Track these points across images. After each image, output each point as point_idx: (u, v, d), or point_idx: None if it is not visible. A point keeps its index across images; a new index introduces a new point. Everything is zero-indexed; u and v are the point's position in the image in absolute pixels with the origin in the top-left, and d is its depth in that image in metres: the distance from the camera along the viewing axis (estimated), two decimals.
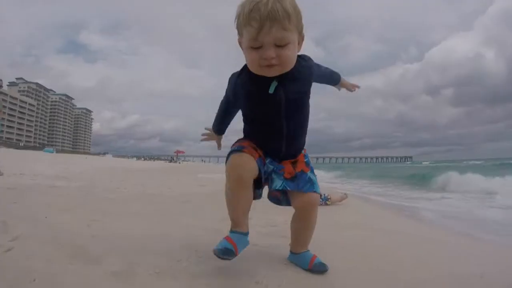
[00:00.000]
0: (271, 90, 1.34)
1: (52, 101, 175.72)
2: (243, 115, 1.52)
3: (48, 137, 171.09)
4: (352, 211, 4.15)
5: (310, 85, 1.45)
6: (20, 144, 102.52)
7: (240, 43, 1.34)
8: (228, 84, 1.49)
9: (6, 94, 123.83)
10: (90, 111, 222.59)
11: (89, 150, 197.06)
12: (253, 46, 1.25)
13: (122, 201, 3.76)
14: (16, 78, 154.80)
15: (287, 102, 1.37)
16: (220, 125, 1.72)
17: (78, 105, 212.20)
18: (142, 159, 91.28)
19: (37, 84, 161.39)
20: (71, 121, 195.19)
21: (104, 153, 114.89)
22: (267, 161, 1.47)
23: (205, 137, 1.83)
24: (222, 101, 1.60)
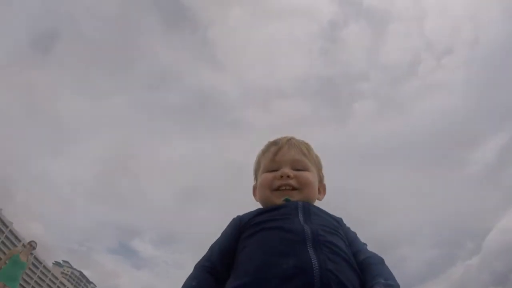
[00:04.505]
0: (285, 200, 1.10)
1: None
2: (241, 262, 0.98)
3: None
4: None
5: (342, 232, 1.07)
6: None
7: (254, 190, 1.25)
8: (228, 226, 1.13)
9: (48, 271, 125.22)
10: None
11: None
12: (269, 168, 1.16)
13: None
14: (63, 260, 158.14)
15: (311, 217, 1.03)
16: None
17: None
18: None
19: (81, 273, 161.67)
20: None
21: None
22: None
23: None
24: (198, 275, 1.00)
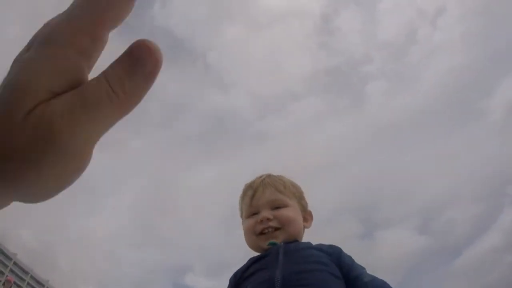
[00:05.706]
0: (269, 245, 1.12)
1: None
2: None
3: None
4: None
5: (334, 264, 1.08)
6: None
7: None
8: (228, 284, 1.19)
9: None
10: None
11: None
12: (250, 213, 1.19)
13: None
14: None
15: (289, 262, 1.04)
16: None
17: None
18: None
19: None
20: None
21: None
22: None
23: None
24: None
